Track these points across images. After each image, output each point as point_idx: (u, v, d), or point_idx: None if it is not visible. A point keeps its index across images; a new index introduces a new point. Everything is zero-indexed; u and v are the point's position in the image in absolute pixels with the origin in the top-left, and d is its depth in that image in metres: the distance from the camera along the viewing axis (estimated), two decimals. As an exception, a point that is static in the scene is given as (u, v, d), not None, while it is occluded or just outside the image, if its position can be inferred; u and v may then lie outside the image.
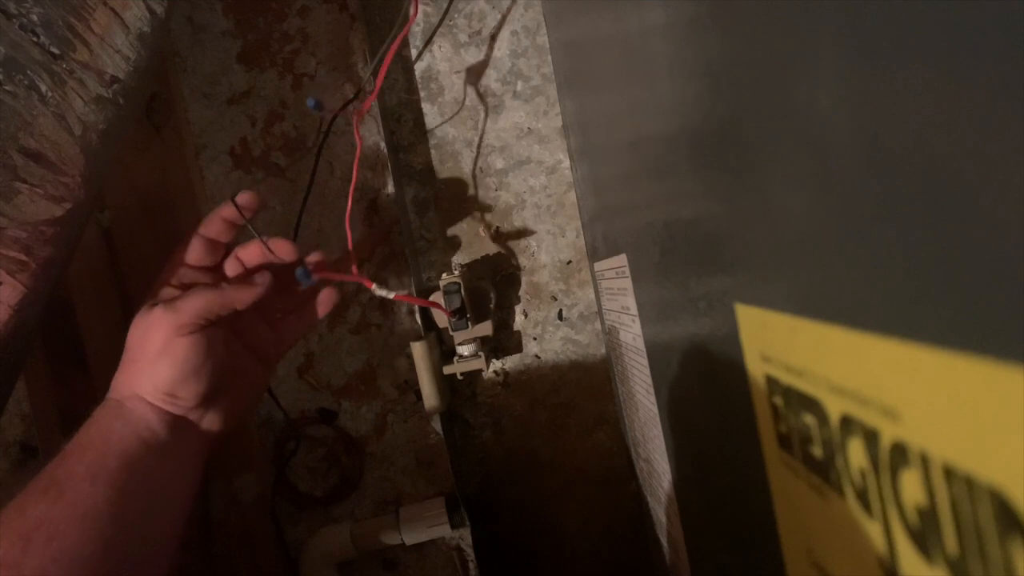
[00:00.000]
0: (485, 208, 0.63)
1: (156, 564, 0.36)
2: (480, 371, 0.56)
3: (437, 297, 0.58)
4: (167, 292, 0.40)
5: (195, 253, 0.41)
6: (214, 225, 0.41)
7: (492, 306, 0.61)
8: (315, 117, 0.58)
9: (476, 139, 0.63)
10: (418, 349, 0.57)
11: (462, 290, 0.54)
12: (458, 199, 0.63)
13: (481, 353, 0.57)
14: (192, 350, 0.37)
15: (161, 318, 0.37)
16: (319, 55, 0.58)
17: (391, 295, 0.44)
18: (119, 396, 0.37)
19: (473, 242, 0.63)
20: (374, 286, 0.43)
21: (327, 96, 0.58)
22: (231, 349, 0.40)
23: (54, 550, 0.31)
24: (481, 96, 0.62)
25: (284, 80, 0.58)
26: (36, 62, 0.34)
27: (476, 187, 0.63)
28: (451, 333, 0.56)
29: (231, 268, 0.43)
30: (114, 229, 0.56)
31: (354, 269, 0.44)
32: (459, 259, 0.63)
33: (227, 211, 0.41)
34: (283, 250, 0.42)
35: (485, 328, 0.57)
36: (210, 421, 0.39)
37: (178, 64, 0.57)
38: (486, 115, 0.63)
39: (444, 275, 0.55)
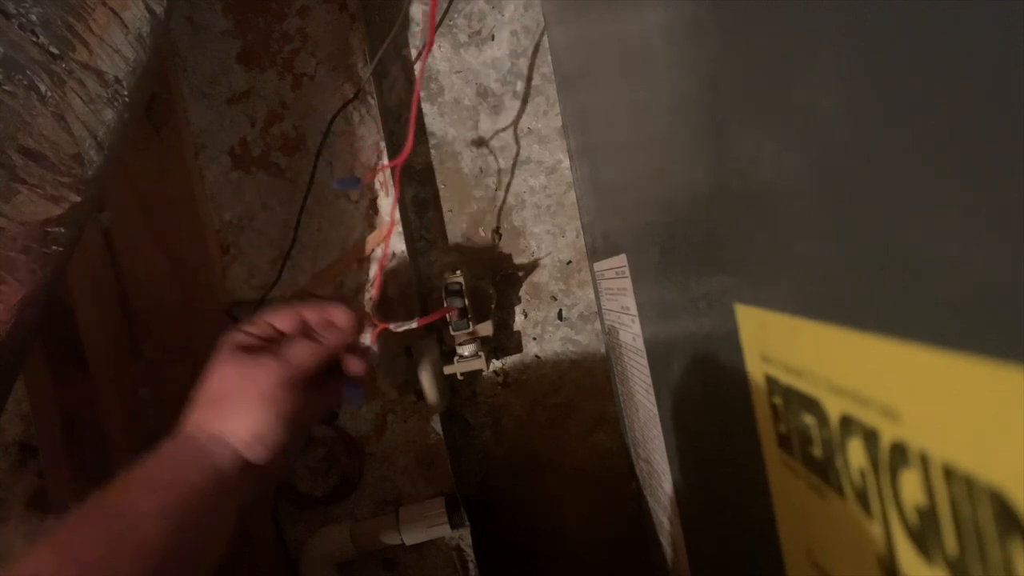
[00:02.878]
0: (485, 208, 0.63)
1: None
2: (480, 371, 0.56)
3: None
4: (250, 340, 0.40)
5: (286, 321, 0.42)
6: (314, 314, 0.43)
7: (492, 306, 0.60)
8: (315, 117, 0.58)
9: (476, 139, 0.63)
10: (419, 348, 0.57)
11: (463, 290, 0.55)
12: (458, 199, 0.63)
13: (481, 353, 0.57)
14: (296, 402, 0.38)
15: (270, 367, 0.37)
16: (319, 55, 0.58)
17: (413, 323, 0.47)
18: (198, 434, 0.37)
19: (473, 242, 0.63)
20: (393, 325, 0.45)
21: (327, 96, 0.58)
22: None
23: None
24: (481, 96, 0.62)
25: (284, 80, 0.58)
26: (35, 62, 0.34)
27: (476, 187, 0.63)
28: (452, 333, 0.56)
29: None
30: (114, 229, 0.56)
31: (373, 336, 0.49)
32: (460, 259, 0.63)
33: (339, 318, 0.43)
34: (355, 365, 0.44)
35: (486, 328, 0.57)
36: (269, 471, 0.39)
37: (178, 64, 0.57)
38: (486, 115, 0.63)
39: (446, 274, 0.55)
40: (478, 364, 0.57)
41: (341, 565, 0.57)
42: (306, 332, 0.42)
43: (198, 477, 0.35)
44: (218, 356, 0.39)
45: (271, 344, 0.40)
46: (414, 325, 0.46)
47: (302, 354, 0.39)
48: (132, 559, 0.31)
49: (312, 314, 0.42)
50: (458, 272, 0.56)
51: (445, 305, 0.54)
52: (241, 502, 0.38)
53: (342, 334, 0.42)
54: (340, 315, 0.42)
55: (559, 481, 0.65)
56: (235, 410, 0.37)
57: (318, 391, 0.42)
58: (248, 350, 0.39)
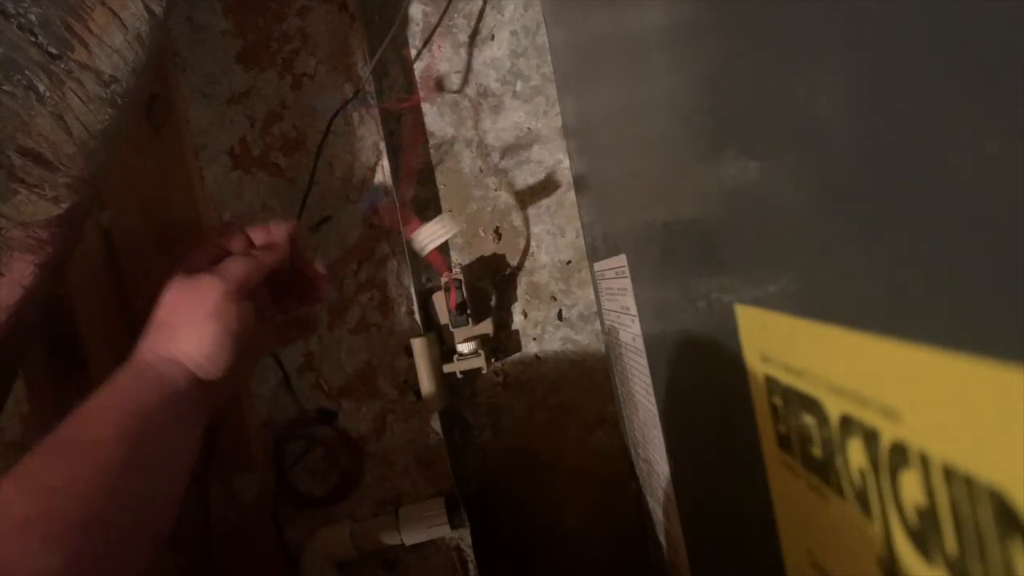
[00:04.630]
0: (485, 208, 0.63)
1: (158, 523, 0.36)
2: (480, 370, 0.56)
3: (439, 297, 0.58)
4: (197, 264, 0.41)
5: (227, 234, 0.44)
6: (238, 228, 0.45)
7: (492, 305, 0.61)
8: (315, 117, 0.58)
9: (476, 139, 0.63)
10: (418, 345, 0.57)
11: (463, 286, 0.55)
12: (458, 199, 0.63)
13: (481, 352, 0.57)
14: (240, 315, 0.39)
15: (211, 284, 0.38)
16: (319, 55, 0.58)
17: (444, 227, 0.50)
18: (150, 358, 0.38)
19: (473, 242, 0.63)
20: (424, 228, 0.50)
21: (327, 96, 0.58)
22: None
23: (81, 506, 0.31)
24: (481, 96, 0.62)
25: (284, 80, 0.58)
26: (34, 62, 0.34)
27: (475, 187, 0.63)
28: (452, 330, 0.56)
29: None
30: (113, 229, 0.56)
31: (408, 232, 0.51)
32: (460, 259, 0.63)
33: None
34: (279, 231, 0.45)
35: (485, 327, 0.57)
36: (222, 389, 0.41)
37: (178, 64, 0.57)
38: (486, 115, 0.62)
39: (445, 273, 0.55)
40: (477, 363, 0.56)
41: (341, 565, 0.57)
42: (248, 250, 0.44)
43: (153, 398, 0.36)
44: (168, 283, 0.40)
45: (214, 265, 0.41)
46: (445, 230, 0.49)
47: (240, 268, 0.40)
48: (92, 481, 0.32)
49: (257, 233, 0.44)
50: (458, 268, 0.55)
51: (447, 297, 0.55)
52: (198, 419, 0.40)
53: (278, 247, 0.43)
54: (276, 230, 0.44)
55: (559, 481, 0.65)
56: (183, 330, 0.38)
57: (268, 309, 0.45)
58: (191, 272, 0.40)
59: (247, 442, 0.58)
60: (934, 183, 0.14)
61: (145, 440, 0.35)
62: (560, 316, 0.64)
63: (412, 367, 0.58)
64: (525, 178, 0.63)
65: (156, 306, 0.40)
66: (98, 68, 0.37)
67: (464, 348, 0.57)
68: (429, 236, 0.51)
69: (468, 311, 0.55)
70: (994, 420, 0.13)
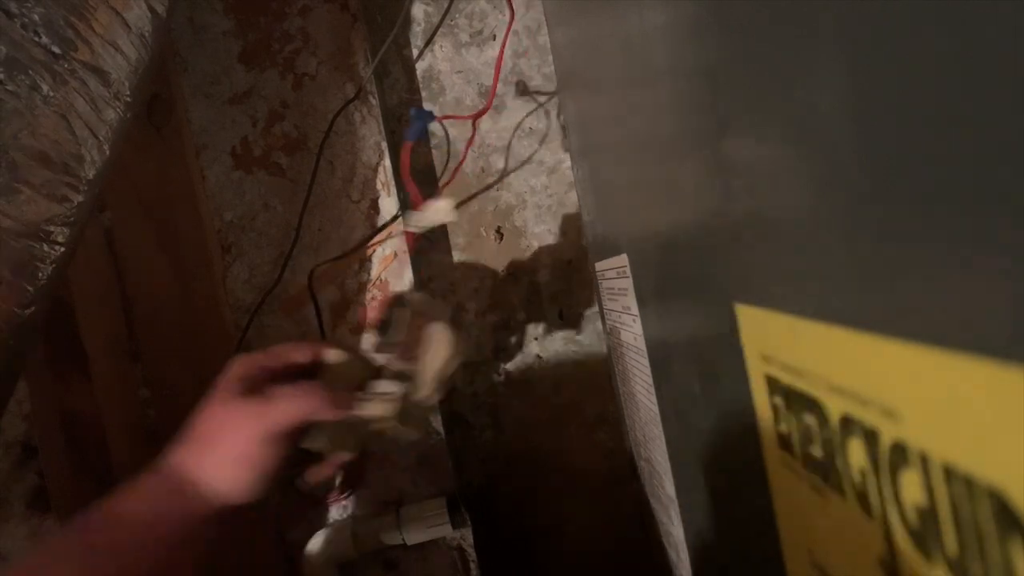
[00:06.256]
0: (486, 208, 0.63)
1: None
2: (381, 430, 0.40)
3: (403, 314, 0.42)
4: (250, 372, 0.38)
5: (297, 353, 0.40)
6: (309, 350, 0.40)
7: (444, 364, 0.41)
8: (316, 117, 0.58)
9: (477, 139, 0.63)
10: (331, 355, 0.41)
11: (401, 302, 0.42)
12: (459, 199, 0.63)
13: (395, 392, 0.39)
14: (274, 462, 0.36)
15: (252, 418, 0.36)
16: (320, 55, 0.58)
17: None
18: (176, 473, 0.37)
19: (474, 242, 0.63)
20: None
21: (328, 96, 0.58)
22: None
23: None
24: (482, 96, 0.62)
25: (285, 80, 0.58)
26: (38, 62, 0.34)
27: (477, 187, 0.63)
28: (373, 353, 0.41)
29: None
30: (114, 229, 0.57)
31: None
32: (461, 257, 0.63)
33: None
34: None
35: (431, 370, 0.40)
36: (249, 510, 0.39)
37: (179, 64, 0.57)
38: (487, 115, 0.63)
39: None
40: (380, 409, 0.39)
41: (342, 565, 0.57)
42: (312, 375, 0.39)
43: (174, 516, 0.36)
44: (217, 385, 0.38)
45: (269, 384, 0.37)
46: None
47: (291, 410, 0.36)
48: None
49: (331, 353, 0.40)
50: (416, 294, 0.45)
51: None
52: (216, 533, 0.38)
53: (348, 403, 0.38)
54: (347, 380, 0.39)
55: (560, 481, 0.65)
56: (213, 457, 0.37)
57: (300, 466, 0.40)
58: (244, 385, 0.37)
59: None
60: (934, 182, 0.14)
61: (160, 553, 0.35)
62: (561, 316, 0.64)
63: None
64: (526, 178, 0.63)
65: (198, 411, 0.38)
66: (101, 68, 0.37)
67: (381, 386, 0.40)
68: (431, 216, 0.43)
69: (395, 338, 0.41)
70: (994, 420, 0.13)
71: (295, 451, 0.39)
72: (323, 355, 0.40)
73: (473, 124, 0.52)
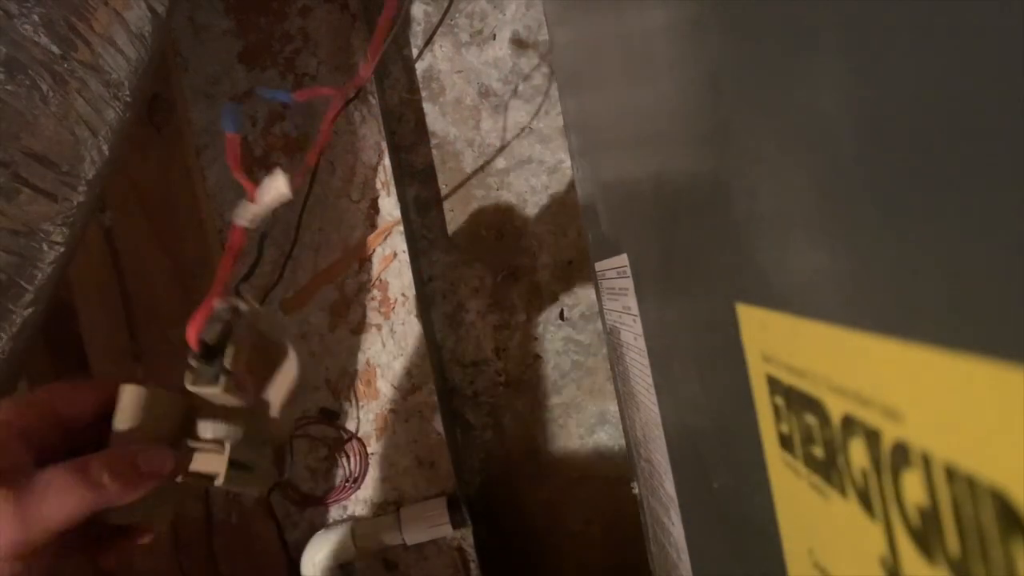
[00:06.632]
0: (486, 208, 0.63)
1: None
2: (213, 479, 0.30)
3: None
4: (16, 455, 0.25)
5: (75, 400, 0.28)
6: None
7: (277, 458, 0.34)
8: (316, 117, 0.58)
9: (477, 139, 0.63)
10: (129, 397, 0.30)
11: (235, 325, 0.33)
12: (459, 199, 0.63)
13: (225, 445, 0.30)
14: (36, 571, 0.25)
15: (6, 517, 0.23)
16: (320, 55, 0.58)
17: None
18: None
19: (474, 242, 0.63)
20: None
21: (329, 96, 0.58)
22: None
23: None
24: (483, 96, 0.62)
25: (285, 80, 0.58)
26: (38, 62, 0.34)
27: (477, 187, 0.63)
28: (189, 387, 0.31)
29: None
30: (115, 229, 0.57)
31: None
32: (460, 259, 0.63)
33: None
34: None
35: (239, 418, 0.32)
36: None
37: (179, 64, 0.57)
38: (487, 114, 0.63)
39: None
40: (214, 464, 0.30)
41: (342, 565, 0.57)
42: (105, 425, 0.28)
43: None
44: None
45: (28, 463, 0.25)
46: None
47: (65, 506, 0.24)
48: None
49: (128, 392, 0.29)
50: (241, 298, 0.34)
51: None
52: None
53: (142, 484, 0.27)
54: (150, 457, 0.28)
55: (561, 481, 0.65)
56: None
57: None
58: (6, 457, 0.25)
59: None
60: (935, 181, 0.14)
61: None
62: (562, 316, 0.64)
63: (417, 366, 0.58)
64: (527, 178, 0.63)
65: None
66: (101, 68, 0.37)
67: (206, 430, 0.31)
68: (265, 200, 0.35)
69: (223, 365, 0.31)
70: (996, 420, 0.13)
71: (92, 528, 0.27)
72: (118, 395, 0.29)
73: (336, 100, 0.42)
